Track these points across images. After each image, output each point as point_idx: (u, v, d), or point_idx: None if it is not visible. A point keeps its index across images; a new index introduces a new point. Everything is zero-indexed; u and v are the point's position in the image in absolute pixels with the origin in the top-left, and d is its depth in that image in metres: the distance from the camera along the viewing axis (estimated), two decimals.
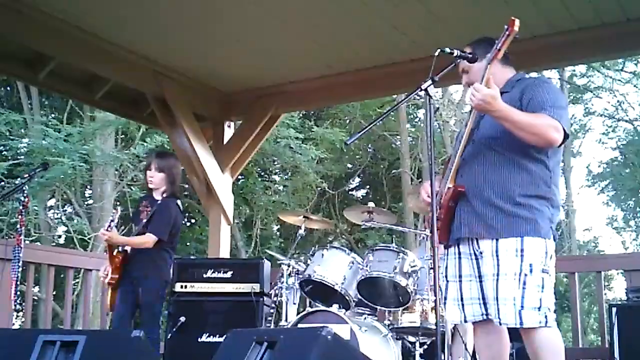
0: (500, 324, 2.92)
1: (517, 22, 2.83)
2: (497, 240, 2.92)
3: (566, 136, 2.91)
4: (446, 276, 3.13)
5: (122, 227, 9.45)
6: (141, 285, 4.61)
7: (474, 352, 4.23)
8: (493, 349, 3.07)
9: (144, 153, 12.95)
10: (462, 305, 3.06)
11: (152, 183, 4.75)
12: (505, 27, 2.85)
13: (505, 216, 2.92)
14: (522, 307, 2.84)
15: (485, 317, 3.02)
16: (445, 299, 3.12)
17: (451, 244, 3.10)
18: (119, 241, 4.58)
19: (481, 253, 2.99)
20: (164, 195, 4.75)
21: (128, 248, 4.68)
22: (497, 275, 2.90)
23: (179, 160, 5.12)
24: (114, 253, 4.63)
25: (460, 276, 3.07)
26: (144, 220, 4.60)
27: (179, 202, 4.84)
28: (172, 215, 4.69)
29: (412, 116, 17.84)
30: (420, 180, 15.23)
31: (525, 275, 2.85)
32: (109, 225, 4.50)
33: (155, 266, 4.67)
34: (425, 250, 4.38)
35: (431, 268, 3.97)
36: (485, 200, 2.96)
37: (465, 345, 4.22)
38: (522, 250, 2.88)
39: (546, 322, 2.86)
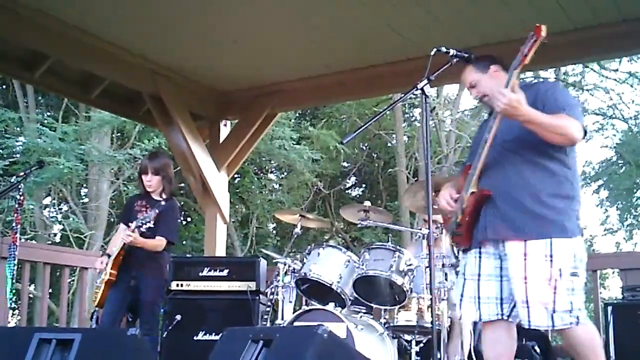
0: (530, 326, 2.93)
1: (543, 28, 2.84)
2: (525, 242, 2.94)
3: (585, 133, 2.97)
4: (464, 274, 3.16)
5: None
6: (142, 283, 4.58)
7: (469, 350, 4.24)
8: (500, 346, 3.09)
9: (141, 154, 12.96)
10: (479, 303, 3.08)
11: (151, 187, 4.72)
12: (531, 33, 2.87)
13: (532, 218, 2.94)
14: (554, 310, 2.88)
15: (500, 317, 3.05)
16: (462, 296, 3.14)
17: (474, 247, 3.13)
18: (140, 242, 4.51)
19: (506, 255, 3.01)
20: (164, 196, 4.72)
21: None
22: (527, 278, 2.92)
23: (170, 159, 5.09)
24: (121, 252, 4.59)
25: (479, 275, 3.10)
26: (148, 221, 4.47)
27: (177, 202, 4.85)
28: (177, 216, 4.74)
29: (408, 115, 17.85)
30: (416, 178, 15.23)
31: (556, 280, 2.89)
32: (136, 227, 4.46)
33: (157, 265, 4.65)
34: (422, 248, 4.39)
35: (427, 267, 3.98)
36: (512, 202, 2.98)
37: (461, 343, 4.23)
38: (551, 256, 2.91)
39: (577, 321, 2.90)
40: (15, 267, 4.46)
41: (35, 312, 8.74)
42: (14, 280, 4.48)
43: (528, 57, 2.89)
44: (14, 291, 4.53)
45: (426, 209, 3.18)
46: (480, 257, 3.10)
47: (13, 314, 4.73)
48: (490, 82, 3.17)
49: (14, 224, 4.56)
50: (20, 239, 4.57)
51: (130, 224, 4.56)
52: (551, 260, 2.89)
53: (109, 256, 4.64)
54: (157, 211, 4.45)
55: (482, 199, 3.04)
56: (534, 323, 2.91)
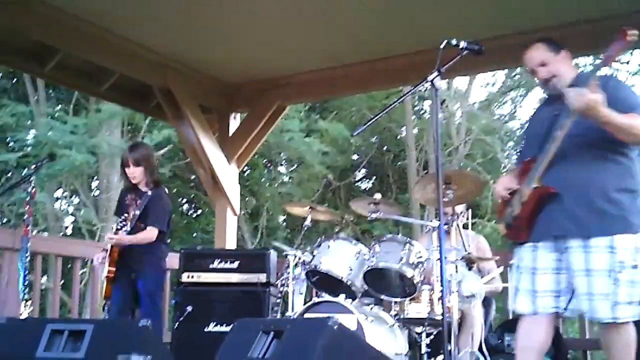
0: (593, 318, 2.99)
1: (630, 33, 2.84)
2: (588, 237, 2.96)
3: None
4: (518, 267, 3.16)
5: None
6: (140, 274, 4.60)
7: (480, 342, 4.24)
8: (541, 335, 3.10)
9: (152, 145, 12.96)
10: (535, 297, 3.08)
11: (135, 178, 4.72)
12: (617, 36, 2.87)
13: (597, 214, 2.96)
14: (616, 302, 2.91)
15: (556, 309, 3.07)
16: (517, 289, 3.15)
17: (532, 241, 3.13)
18: (125, 241, 4.52)
19: (567, 248, 3.02)
20: (150, 185, 4.70)
21: None
22: (589, 271, 2.94)
23: (151, 147, 5.06)
24: (111, 248, 4.59)
25: (535, 268, 3.10)
26: (136, 213, 4.50)
27: (165, 189, 4.82)
28: (166, 204, 4.71)
29: (417, 108, 17.80)
30: (426, 171, 15.21)
31: (618, 272, 2.91)
32: (116, 231, 4.50)
33: (153, 256, 4.65)
34: (432, 241, 4.38)
35: (437, 259, 3.98)
36: (578, 199, 2.98)
37: (472, 335, 4.23)
38: (613, 248, 2.93)
39: (636, 315, 2.95)
40: (28, 259, 4.46)
41: (48, 303, 8.80)
42: (26, 272, 4.50)
43: (613, 58, 2.91)
44: (26, 283, 4.54)
45: (436, 201, 3.18)
46: (536, 250, 3.11)
47: (26, 306, 4.70)
48: (560, 65, 3.14)
49: (25, 217, 4.60)
50: (32, 231, 4.60)
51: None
52: (613, 253, 2.92)
53: (107, 251, 4.62)
54: (136, 213, 4.45)
55: (547, 196, 3.03)
56: (597, 315, 2.94)
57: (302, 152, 14.78)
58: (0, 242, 4.97)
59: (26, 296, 4.58)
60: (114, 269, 4.54)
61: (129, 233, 4.51)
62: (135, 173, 4.68)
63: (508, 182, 3.24)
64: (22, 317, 4.55)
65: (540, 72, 3.19)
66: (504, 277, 4.77)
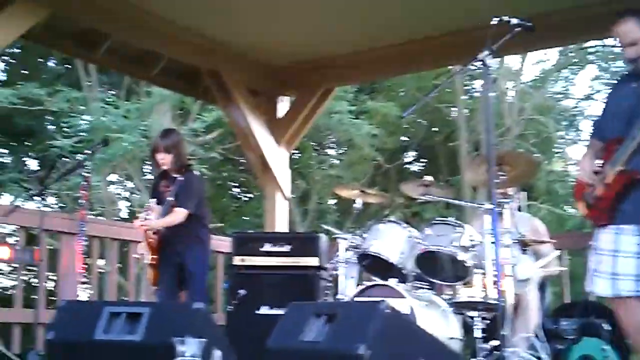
0: None
1: None
2: None
3: None
4: (597, 249, 3.14)
5: None
6: (187, 257, 4.69)
7: (536, 327, 4.16)
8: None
9: (201, 129, 13.10)
10: (616, 279, 3.06)
11: (165, 164, 4.76)
12: None
13: None
14: None
15: (636, 293, 3.05)
16: (595, 271, 3.13)
17: (615, 224, 3.10)
18: (156, 225, 4.63)
19: None
20: (180, 170, 4.73)
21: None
22: None
23: (180, 135, 5.12)
24: (150, 236, 4.69)
25: (617, 251, 3.07)
26: (170, 199, 4.61)
27: (197, 172, 4.91)
28: (196, 188, 4.77)
29: (468, 87, 17.49)
30: (477, 152, 14.95)
31: None
32: (145, 217, 4.60)
33: (198, 239, 4.74)
34: (484, 223, 4.29)
35: (491, 242, 3.90)
36: None
37: (527, 320, 4.14)
38: None
39: None
40: (85, 243, 4.54)
41: (105, 286, 9.02)
42: (84, 256, 4.59)
43: None
44: (84, 266, 4.65)
45: (489, 183, 3.11)
46: (620, 234, 3.08)
47: (84, 289, 4.84)
48: None
49: (81, 201, 4.68)
50: (88, 215, 4.68)
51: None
52: None
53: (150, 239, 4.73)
54: (170, 199, 4.56)
55: (635, 181, 2.98)
56: None
57: (351, 134, 14.69)
58: (57, 226, 5.09)
59: (84, 279, 4.74)
60: (156, 255, 4.66)
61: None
62: (166, 160, 4.73)
63: (591, 165, 3.15)
64: (81, 300, 4.73)
65: (628, 52, 3.08)
66: (560, 260, 4.66)
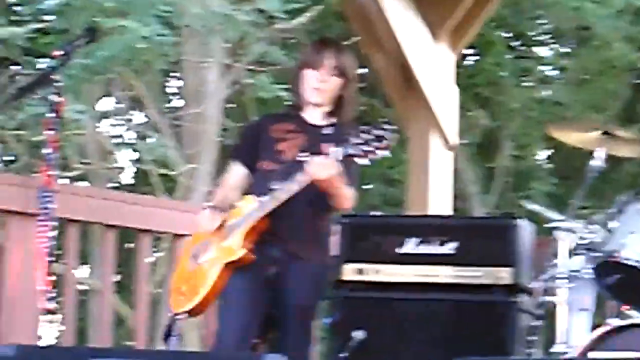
0: None
1: None
2: None
3: None
4: None
5: None
6: (291, 273, 3.23)
7: None
8: None
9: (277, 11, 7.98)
10: None
11: (320, 93, 3.23)
12: None
13: None
14: None
15: None
16: None
17: None
18: (334, 185, 3.05)
19: None
20: (337, 118, 3.22)
21: None
22: None
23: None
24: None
25: None
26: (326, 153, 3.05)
27: None
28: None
29: None
30: None
31: None
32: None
33: (319, 243, 3.27)
34: None
35: None
36: None
37: None
38: None
39: None
40: (53, 234, 2.76)
41: (90, 317, 6.67)
42: (50, 259, 2.74)
43: None
44: (51, 279, 2.81)
45: None
46: None
47: (50, 322, 2.85)
48: None
49: (46, 151, 2.85)
50: (59, 179, 2.98)
51: (263, 163, 3.11)
52: None
53: (219, 210, 3.14)
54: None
55: None
56: None
57: (585, 19, 8.79)
58: (1, 200, 3.17)
59: (50, 304, 2.86)
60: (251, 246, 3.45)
61: None
62: (329, 85, 3.23)
63: None
64: (41, 342, 3.11)
65: None
66: None
